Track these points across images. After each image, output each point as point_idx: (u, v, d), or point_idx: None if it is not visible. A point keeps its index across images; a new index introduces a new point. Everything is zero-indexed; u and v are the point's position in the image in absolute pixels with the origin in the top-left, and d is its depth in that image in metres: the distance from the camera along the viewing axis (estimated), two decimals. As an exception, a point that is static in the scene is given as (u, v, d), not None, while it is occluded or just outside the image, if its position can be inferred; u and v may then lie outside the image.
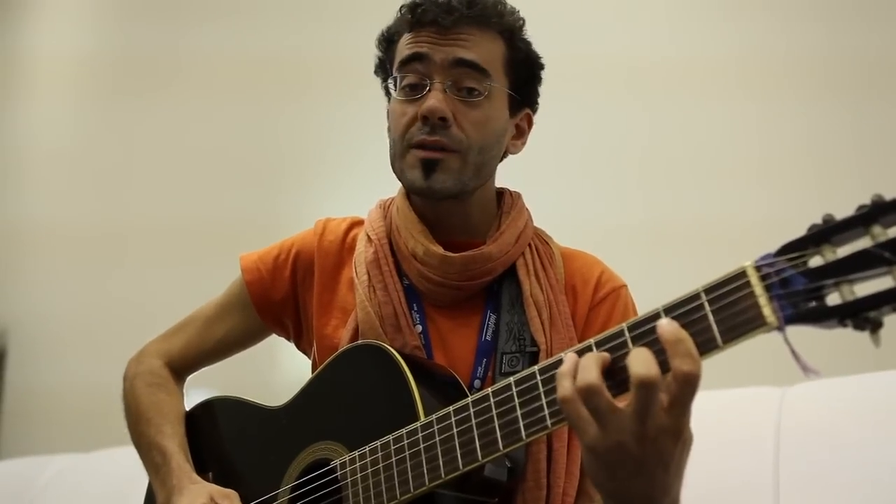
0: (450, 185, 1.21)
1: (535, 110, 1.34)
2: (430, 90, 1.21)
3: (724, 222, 2.52)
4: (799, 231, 0.76)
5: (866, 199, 0.74)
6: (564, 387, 0.82)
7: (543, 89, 1.33)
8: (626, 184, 2.68)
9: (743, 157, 2.59)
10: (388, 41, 1.30)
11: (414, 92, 1.23)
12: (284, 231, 1.43)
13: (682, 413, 0.79)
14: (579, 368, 0.82)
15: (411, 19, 1.23)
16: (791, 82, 2.57)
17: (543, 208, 1.40)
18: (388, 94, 1.32)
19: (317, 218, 1.42)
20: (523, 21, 1.28)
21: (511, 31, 1.26)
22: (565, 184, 2.69)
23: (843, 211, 0.75)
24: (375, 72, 1.34)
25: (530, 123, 1.33)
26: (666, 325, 0.79)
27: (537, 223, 1.35)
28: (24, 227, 3.36)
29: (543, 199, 1.39)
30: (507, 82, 1.25)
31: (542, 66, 1.31)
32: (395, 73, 1.25)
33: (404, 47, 1.24)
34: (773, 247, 0.77)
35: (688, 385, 0.77)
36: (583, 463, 0.86)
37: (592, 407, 0.80)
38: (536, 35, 1.30)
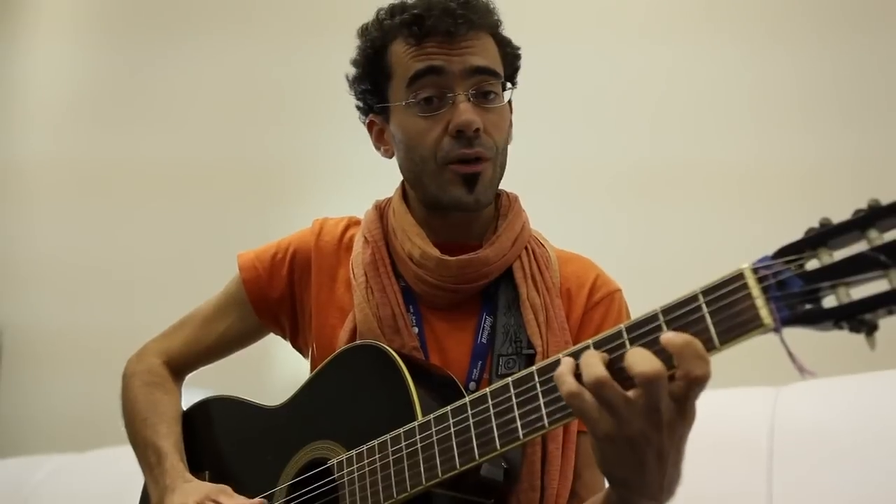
0: (490, 193, 1.23)
1: None
2: (455, 102, 1.18)
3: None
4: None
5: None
6: (568, 382, 0.83)
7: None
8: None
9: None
10: (375, 52, 1.25)
11: (433, 106, 1.20)
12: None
13: (692, 406, 0.82)
14: (583, 366, 0.83)
15: (418, 32, 1.19)
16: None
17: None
18: (371, 107, 1.29)
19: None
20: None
21: (497, 27, 1.26)
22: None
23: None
24: (351, 84, 1.30)
25: (512, 110, 1.33)
26: (672, 337, 0.80)
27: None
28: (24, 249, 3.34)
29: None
30: (504, 75, 1.26)
31: (520, 56, 1.31)
32: (407, 93, 1.20)
33: (412, 60, 1.20)
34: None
35: (699, 386, 0.80)
36: (595, 456, 0.88)
37: (606, 400, 0.81)
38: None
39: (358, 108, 1.32)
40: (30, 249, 3.31)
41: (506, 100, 1.25)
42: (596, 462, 0.88)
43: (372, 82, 1.27)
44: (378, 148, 1.32)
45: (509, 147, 1.28)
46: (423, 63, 1.19)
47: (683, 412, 0.82)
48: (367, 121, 1.32)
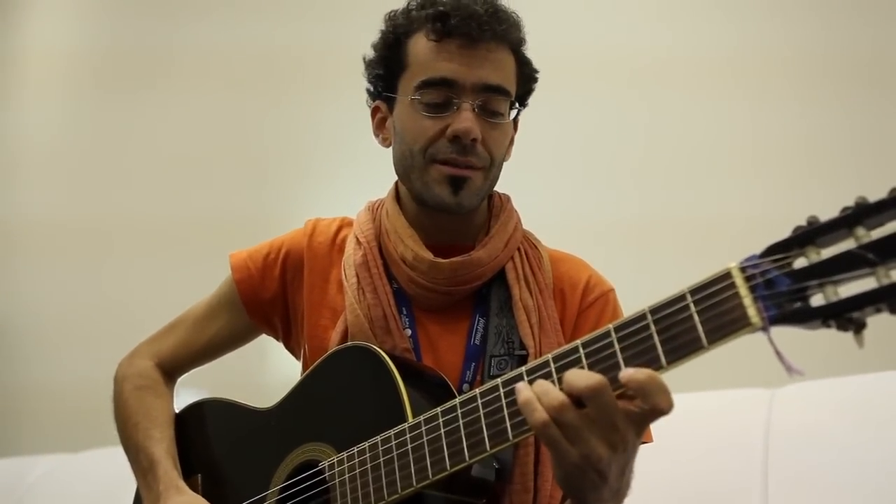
0: (475, 201, 1.23)
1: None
2: (459, 109, 1.19)
3: (719, 219, 2.52)
4: (790, 229, 0.77)
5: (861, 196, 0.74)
6: (539, 411, 0.85)
7: (544, 82, 1.33)
8: (621, 180, 2.68)
9: (738, 153, 2.59)
10: (396, 39, 1.26)
11: (437, 109, 1.21)
12: (276, 227, 1.43)
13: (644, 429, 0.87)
14: (541, 395, 0.85)
15: (441, 29, 1.19)
16: (788, 78, 2.58)
17: (536, 203, 1.41)
18: (379, 93, 1.30)
19: (308, 213, 1.41)
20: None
21: (520, 44, 1.26)
22: (559, 177, 2.71)
23: (838, 208, 0.75)
24: (366, 67, 1.30)
25: (517, 128, 1.33)
26: (633, 373, 0.81)
27: (529, 217, 1.35)
28: (15, 224, 3.35)
29: (537, 193, 1.41)
30: (515, 94, 1.26)
31: (537, 79, 1.31)
32: (415, 91, 1.21)
33: (428, 61, 1.21)
34: (764, 245, 0.77)
35: (661, 416, 0.83)
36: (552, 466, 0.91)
37: (566, 422, 0.83)
38: (537, 30, 1.29)
39: (367, 91, 1.33)
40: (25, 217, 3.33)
41: (511, 118, 1.26)
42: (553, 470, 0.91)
43: (386, 68, 1.27)
44: (377, 135, 1.33)
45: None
46: (437, 71, 1.20)
47: (640, 433, 0.86)
48: (373, 106, 1.33)
